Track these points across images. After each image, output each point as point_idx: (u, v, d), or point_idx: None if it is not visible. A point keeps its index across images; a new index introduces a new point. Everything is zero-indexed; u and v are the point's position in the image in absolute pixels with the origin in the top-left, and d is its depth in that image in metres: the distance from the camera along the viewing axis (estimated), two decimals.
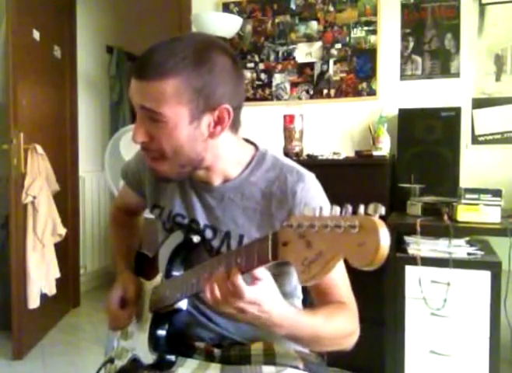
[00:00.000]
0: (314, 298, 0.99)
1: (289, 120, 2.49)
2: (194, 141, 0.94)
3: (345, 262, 0.61)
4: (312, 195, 0.99)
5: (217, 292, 0.78)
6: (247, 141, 1.08)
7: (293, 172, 1.01)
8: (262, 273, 0.77)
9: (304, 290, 1.14)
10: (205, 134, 0.94)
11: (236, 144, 1.02)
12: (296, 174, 1.01)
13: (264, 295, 0.78)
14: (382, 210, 0.59)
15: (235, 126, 0.99)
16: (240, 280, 0.75)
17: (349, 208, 0.61)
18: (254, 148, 1.06)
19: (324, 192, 1.03)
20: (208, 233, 1.04)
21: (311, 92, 2.77)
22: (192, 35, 0.99)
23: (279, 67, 2.83)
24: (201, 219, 1.05)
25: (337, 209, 0.63)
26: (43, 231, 2.68)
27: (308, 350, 1.12)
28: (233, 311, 0.79)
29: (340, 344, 0.94)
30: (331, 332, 0.91)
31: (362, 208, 0.60)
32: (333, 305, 0.95)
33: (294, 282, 1.09)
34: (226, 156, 1.00)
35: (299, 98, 2.79)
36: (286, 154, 2.45)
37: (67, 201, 3.28)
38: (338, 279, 0.96)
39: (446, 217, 2.00)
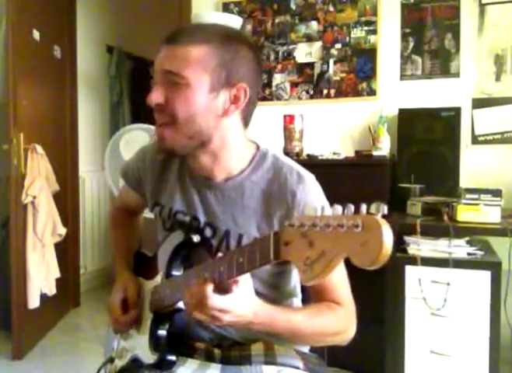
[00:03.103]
0: (311, 295, 1.01)
1: (289, 120, 2.49)
2: (208, 112, 0.95)
3: (346, 261, 0.61)
4: (311, 196, 0.99)
5: (191, 301, 0.83)
6: (249, 140, 1.08)
7: (293, 172, 1.01)
8: (241, 277, 0.81)
9: (303, 289, 1.14)
10: (219, 109, 0.96)
11: (243, 137, 1.04)
12: (296, 175, 1.01)
13: (236, 303, 0.82)
14: (385, 209, 0.59)
15: (246, 119, 1.02)
16: (208, 290, 0.80)
17: (351, 207, 0.61)
18: (256, 147, 1.07)
19: (323, 193, 1.03)
20: (208, 231, 1.04)
21: (311, 92, 2.77)
22: (221, 24, 1.04)
23: (279, 67, 2.83)
24: (201, 216, 1.05)
25: (339, 208, 0.63)
26: (43, 231, 2.68)
27: (308, 350, 1.13)
28: (208, 319, 0.83)
29: (325, 342, 0.99)
30: (312, 329, 0.94)
31: (364, 207, 0.60)
32: (323, 304, 0.97)
33: (294, 281, 1.09)
34: (232, 144, 1.01)
35: (299, 98, 2.79)
36: (286, 154, 2.45)
37: (67, 201, 3.28)
38: (337, 280, 0.97)
39: (446, 217, 2.00)
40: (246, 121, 1.02)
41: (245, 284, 0.83)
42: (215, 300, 0.80)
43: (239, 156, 1.03)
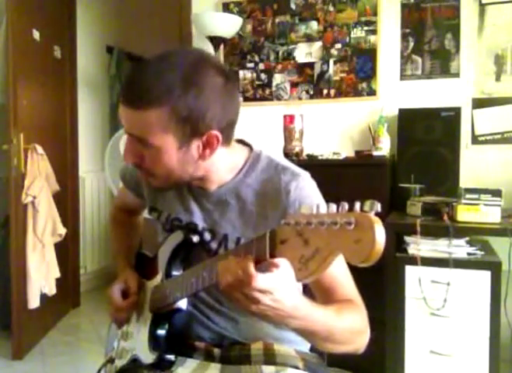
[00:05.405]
0: (319, 299, 0.96)
1: (289, 120, 2.49)
2: (184, 164, 0.95)
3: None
4: (306, 193, 0.98)
5: (230, 280, 0.75)
6: (242, 141, 1.07)
7: (287, 171, 1.01)
8: (281, 261, 0.73)
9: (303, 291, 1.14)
10: (195, 156, 0.94)
11: (229, 153, 1.01)
12: (289, 173, 1.00)
13: (277, 284, 0.74)
14: (378, 207, 0.59)
15: (227, 140, 0.98)
16: (251, 267, 0.72)
17: (346, 205, 0.61)
18: (249, 150, 1.06)
19: (319, 191, 1.02)
20: (207, 235, 1.04)
21: (311, 92, 2.77)
22: (182, 55, 0.95)
23: (279, 67, 2.83)
24: (200, 222, 1.05)
25: (333, 206, 0.63)
26: (43, 231, 2.68)
27: (308, 350, 1.12)
28: (246, 301, 0.75)
29: (353, 343, 0.92)
30: (343, 327, 0.88)
31: (358, 205, 0.60)
32: (341, 303, 0.93)
33: None
34: (219, 167, 1.00)
35: (299, 98, 2.79)
36: (286, 154, 2.45)
37: (67, 201, 3.28)
38: (341, 277, 0.95)
39: (446, 217, 2.00)
40: (228, 141, 0.99)
41: (285, 266, 0.73)
42: (258, 279, 0.72)
43: (228, 168, 1.02)
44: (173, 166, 0.94)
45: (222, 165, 1.01)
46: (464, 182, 2.37)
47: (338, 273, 0.94)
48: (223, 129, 0.93)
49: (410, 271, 2.01)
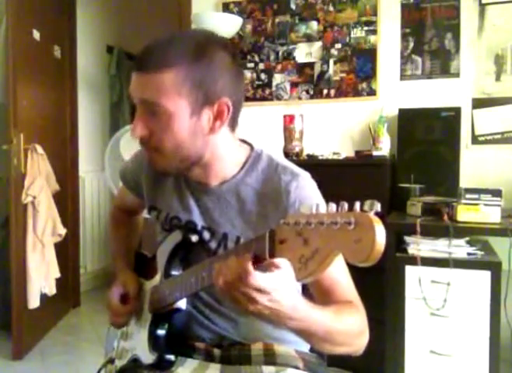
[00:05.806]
0: (318, 300, 0.95)
1: (289, 120, 2.49)
2: (194, 135, 0.94)
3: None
4: (306, 194, 0.98)
5: (227, 278, 0.75)
6: (243, 141, 1.08)
7: (287, 171, 1.01)
8: (282, 261, 0.73)
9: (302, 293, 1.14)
10: (204, 128, 0.94)
11: (234, 143, 1.03)
12: (290, 174, 1.00)
13: (276, 284, 0.74)
14: (378, 206, 0.58)
15: (233, 125, 0.99)
16: (249, 264, 0.72)
17: (345, 205, 0.61)
18: (250, 149, 1.06)
19: (319, 191, 1.02)
20: (206, 235, 1.04)
21: (311, 92, 2.77)
22: (193, 31, 1.00)
23: (279, 67, 2.83)
24: (198, 221, 1.05)
25: (333, 206, 0.62)
26: (43, 231, 2.68)
27: (308, 350, 1.12)
28: (243, 300, 0.75)
29: (352, 344, 0.92)
30: (342, 328, 0.88)
31: (358, 205, 0.59)
32: (340, 304, 0.93)
33: None
34: (223, 155, 1.01)
35: (299, 98, 2.79)
36: (286, 154, 2.45)
37: (67, 201, 3.28)
38: (340, 277, 0.95)
39: (446, 217, 2.00)
40: (233, 126, 1.00)
41: (286, 266, 0.72)
42: (256, 277, 0.72)
43: (232, 162, 1.02)
44: (183, 137, 0.93)
45: (227, 153, 1.01)
46: (464, 182, 2.37)
47: (338, 275, 0.94)
48: (233, 103, 0.94)
49: (410, 271, 2.01)
